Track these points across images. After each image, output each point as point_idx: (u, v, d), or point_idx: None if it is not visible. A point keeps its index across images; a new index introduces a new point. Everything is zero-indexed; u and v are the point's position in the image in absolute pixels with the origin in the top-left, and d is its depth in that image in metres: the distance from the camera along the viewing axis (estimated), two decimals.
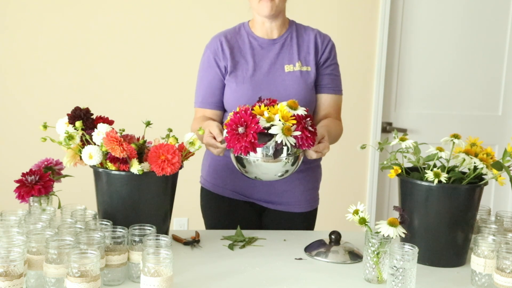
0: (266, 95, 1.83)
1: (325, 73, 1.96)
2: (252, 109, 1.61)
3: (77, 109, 1.66)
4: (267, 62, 1.92)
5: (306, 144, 1.59)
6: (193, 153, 1.68)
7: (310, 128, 1.61)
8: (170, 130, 1.67)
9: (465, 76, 3.52)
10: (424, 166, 1.67)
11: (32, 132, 2.45)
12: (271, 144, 1.58)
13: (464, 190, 1.60)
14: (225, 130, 1.62)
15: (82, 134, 1.59)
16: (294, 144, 1.58)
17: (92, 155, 1.54)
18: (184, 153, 1.64)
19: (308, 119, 1.61)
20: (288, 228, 1.95)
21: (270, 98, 1.68)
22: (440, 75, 3.50)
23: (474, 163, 1.59)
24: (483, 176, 1.62)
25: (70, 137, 1.57)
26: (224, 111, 1.98)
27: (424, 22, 3.44)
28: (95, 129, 1.57)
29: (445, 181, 1.56)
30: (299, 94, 1.89)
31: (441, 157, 1.61)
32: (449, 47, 3.48)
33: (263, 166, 1.62)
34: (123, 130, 1.63)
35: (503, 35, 3.52)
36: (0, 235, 1.39)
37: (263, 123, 1.57)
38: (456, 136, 1.64)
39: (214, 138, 1.72)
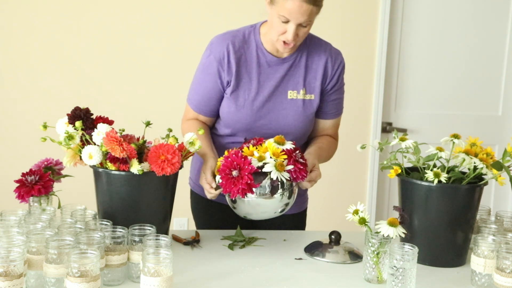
0: (264, 122, 1.84)
1: (329, 99, 1.91)
2: (242, 151, 1.62)
3: (77, 109, 1.65)
4: (271, 84, 1.84)
5: (300, 176, 1.61)
6: (193, 153, 1.68)
7: (301, 160, 1.62)
8: (170, 130, 1.67)
9: (465, 76, 3.52)
10: (424, 166, 1.67)
11: (32, 132, 2.46)
12: (266, 182, 1.59)
13: (464, 190, 1.60)
14: (218, 176, 1.63)
15: (82, 134, 1.59)
16: (289, 178, 1.59)
17: (92, 155, 1.54)
18: (184, 153, 1.64)
19: (297, 151, 1.64)
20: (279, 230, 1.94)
21: (255, 137, 1.70)
22: (440, 75, 3.50)
23: (474, 163, 1.59)
24: (483, 176, 1.62)
25: (70, 137, 1.57)
26: (217, 117, 1.93)
27: (424, 22, 3.44)
28: (95, 129, 1.57)
29: (445, 181, 1.56)
30: (297, 125, 1.86)
31: (441, 157, 1.61)
32: (449, 47, 3.48)
33: (262, 205, 1.63)
34: (123, 130, 1.63)
35: (503, 35, 3.52)
36: (0, 235, 1.39)
37: (255, 163, 1.58)
38: (456, 136, 1.64)
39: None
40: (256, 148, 1.63)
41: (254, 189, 1.57)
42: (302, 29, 1.73)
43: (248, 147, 1.64)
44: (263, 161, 1.59)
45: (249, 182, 1.55)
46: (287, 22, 1.71)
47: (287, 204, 1.67)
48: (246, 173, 1.55)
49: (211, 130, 1.95)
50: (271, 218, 1.73)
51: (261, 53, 1.84)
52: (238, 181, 1.55)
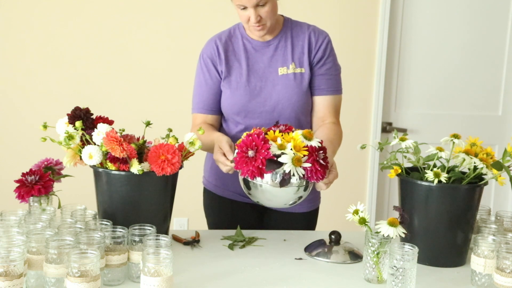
0: (259, 100, 1.87)
1: (319, 73, 1.92)
2: (266, 133, 1.58)
3: (77, 109, 1.66)
4: (261, 65, 1.90)
5: (315, 177, 1.55)
6: (193, 153, 1.68)
7: (321, 161, 1.56)
8: (170, 130, 1.67)
9: (465, 76, 3.52)
10: (424, 166, 1.67)
11: (32, 132, 2.46)
12: (279, 172, 1.54)
13: (464, 190, 1.60)
14: (236, 150, 1.58)
15: (82, 134, 1.59)
16: (302, 176, 1.54)
17: (92, 155, 1.54)
18: (184, 153, 1.64)
19: (321, 151, 1.58)
20: (290, 228, 1.95)
21: (286, 124, 1.67)
22: (440, 75, 3.50)
23: (474, 163, 1.59)
24: (483, 176, 1.62)
25: (70, 137, 1.57)
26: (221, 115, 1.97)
27: (424, 22, 3.44)
28: (95, 129, 1.57)
29: (445, 181, 1.56)
30: (291, 98, 1.88)
31: (441, 157, 1.61)
32: (449, 47, 3.48)
33: (270, 192, 1.58)
34: (123, 130, 1.63)
35: (503, 35, 3.52)
36: (0, 235, 1.39)
37: (274, 150, 1.53)
38: (456, 136, 1.64)
39: (224, 155, 1.69)
40: (282, 135, 1.58)
41: (268, 177, 1.55)
42: (262, 9, 1.79)
43: (274, 131, 1.60)
44: (282, 151, 1.53)
45: (260, 166, 1.52)
46: (245, 8, 1.79)
47: (300, 197, 1.63)
48: (261, 157, 1.52)
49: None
50: (282, 209, 1.78)
51: (247, 41, 1.93)
52: (251, 162, 1.53)
